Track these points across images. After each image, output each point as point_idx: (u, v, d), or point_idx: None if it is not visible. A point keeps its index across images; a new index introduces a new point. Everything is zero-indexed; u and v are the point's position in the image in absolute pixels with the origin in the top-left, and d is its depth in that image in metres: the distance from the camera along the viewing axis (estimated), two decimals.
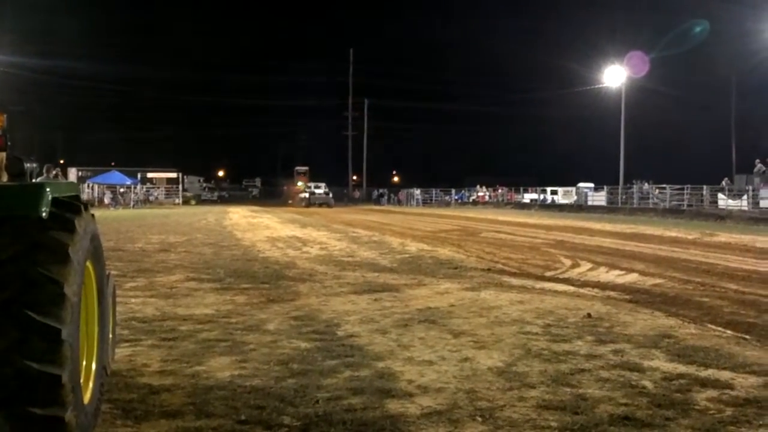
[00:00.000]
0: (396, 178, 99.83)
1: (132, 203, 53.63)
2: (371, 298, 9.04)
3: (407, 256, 14.74)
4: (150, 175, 69.86)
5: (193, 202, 66.63)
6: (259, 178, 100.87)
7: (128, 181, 59.25)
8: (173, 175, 69.83)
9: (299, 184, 70.19)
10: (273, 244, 17.92)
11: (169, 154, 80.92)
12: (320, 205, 57.82)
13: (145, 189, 62.48)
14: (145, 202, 58.01)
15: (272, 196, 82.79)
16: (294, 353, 5.94)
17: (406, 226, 27.84)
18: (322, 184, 65.80)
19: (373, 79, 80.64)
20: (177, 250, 15.64)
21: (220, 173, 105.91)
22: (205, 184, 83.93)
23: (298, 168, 75.07)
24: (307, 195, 62.16)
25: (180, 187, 67.23)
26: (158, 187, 67.09)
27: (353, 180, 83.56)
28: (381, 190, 78.13)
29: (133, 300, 8.62)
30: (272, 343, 6.33)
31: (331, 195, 64.23)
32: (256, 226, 26.40)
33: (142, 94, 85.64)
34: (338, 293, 9.47)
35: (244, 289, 9.70)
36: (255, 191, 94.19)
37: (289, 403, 4.57)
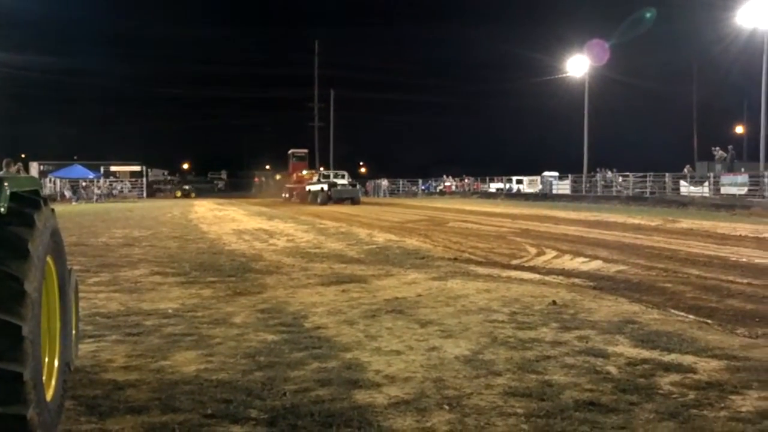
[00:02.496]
0: (363, 169, 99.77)
1: (95, 197, 52.83)
2: (339, 289, 9.04)
3: (375, 246, 14.75)
4: (113, 168, 68.76)
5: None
6: (225, 171, 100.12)
7: (91, 175, 58.37)
8: (137, 168, 68.84)
9: (304, 172, 53.12)
10: (239, 236, 17.81)
11: (132, 147, 79.89)
12: (342, 201, 42.91)
13: (108, 183, 61.59)
14: (109, 196, 57.20)
15: (238, 188, 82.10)
16: (261, 346, 5.92)
17: (373, 216, 27.84)
18: (344, 173, 48.13)
19: (339, 71, 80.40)
20: (141, 245, 15.46)
21: (185, 166, 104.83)
22: (169, 177, 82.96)
23: (294, 151, 58.81)
24: (322, 188, 44.02)
25: (144, 180, 66.35)
26: (122, 181, 66.18)
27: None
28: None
29: (96, 295, 8.51)
30: (239, 337, 6.30)
31: (358, 187, 49.60)
32: (222, 219, 26.21)
33: (105, 86, 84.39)
34: (305, 285, 9.45)
35: (210, 283, 9.62)
36: (221, 184, 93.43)
37: (256, 396, 4.55)
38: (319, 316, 7.21)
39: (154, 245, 15.33)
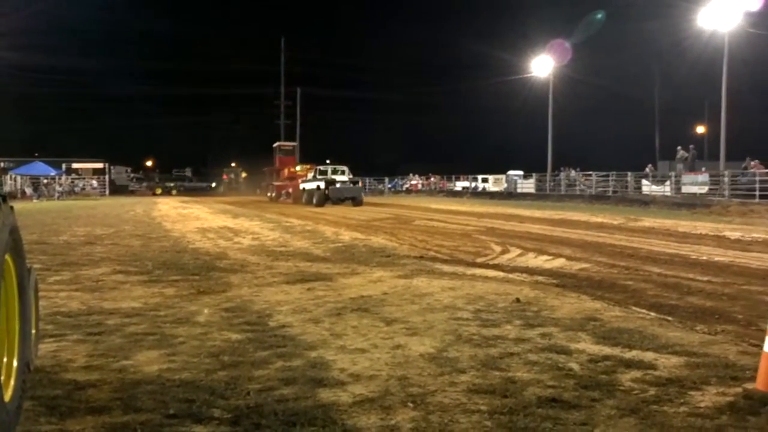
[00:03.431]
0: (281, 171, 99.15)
1: (57, 195, 51.97)
2: (304, 287, 9.01)
3: (341, 245, 14.73)
4: (75, 165, 67.73)
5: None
6: (190, 168, 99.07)
7: (52, 172, 57.38)
8: (99, 165, 67.90)
9: (298, 168, 45.74)
10: (204, 234, 17.66)
11: (95, 143, 78.74)
12: (342, 201, 36.98)
13: (70, 180, 60.63)
14: (71, 193, 56.30)
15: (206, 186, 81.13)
16: (225, 345, 5.87)
17: (339, 215, 27.80)
18: (344, 168, 40.23)
19: (306, 68, 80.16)
20: (103, 243, 15.25)
21: (149, 163, 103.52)
22: (133, 175, 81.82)
23: (281, 144, 52.57)
24: (318, 186, 37.64)
25: (107, 177, 65.44)
26: (84, 178, 65.19)
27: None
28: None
29: (57, 294, 8.37)
30: (202, 336, 6.24)
31: (360, 184, 42.67)
32: (186, 217, 25.95)
33: (66, 82, 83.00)
34: (271, 283, 9.40)
35: (173, 281, 9.53)
36: (186, 181, 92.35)
37: (219, 396, 4.51)
38: (284, 315, 7.18)
39: (117, 243, 15.13)
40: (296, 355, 5.54)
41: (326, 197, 36.40)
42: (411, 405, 4.36)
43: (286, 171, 46.99)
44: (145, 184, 67.02)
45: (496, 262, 12.10)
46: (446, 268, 11.08)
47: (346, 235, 16.93)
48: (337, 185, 37.05)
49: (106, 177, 65.41)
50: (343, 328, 6.52)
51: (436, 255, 13.00)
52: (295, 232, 18.35)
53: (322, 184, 37.01)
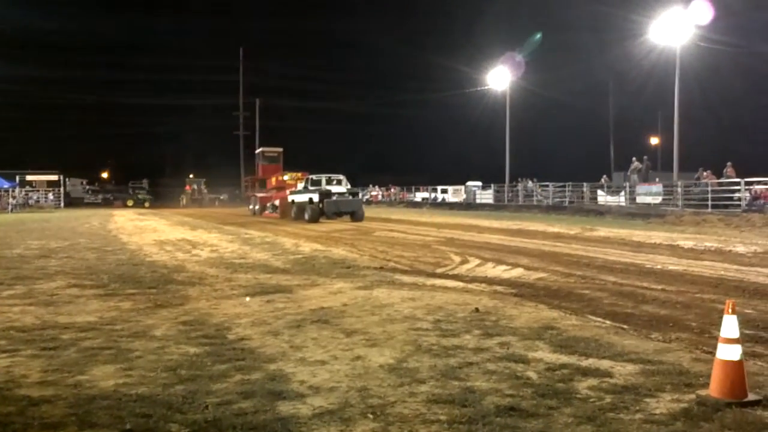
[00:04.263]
0: (266, 180, 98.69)
1: (10, 207, 50.84)
2: (264, 299, 8.96)
3: (301, 256, 14.68)
4: (29, 177, 66.29)
5: (147, 204, 62.58)
6: (147, 180, 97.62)
7: (5, 185, 56.10)
8: (54, 177, 66.58)
9: (286, 177, 38.66)
10: (161, 247, 17.44)
11: (49, 155, 77.15)
12: (339, 215, 30.95)
13: (24, 192, 59.38)
14: (25, 205, 55.14)
15: (160, 197, 79.82)
16: (182, 359, 5.81)
17: (299, 226, 27.69)
18: (341, 177, 33.16)
19: (265, 79, 79.74)
20: (58, 256, 14.96)
21: (104, 175, 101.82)
22: (88, 187, 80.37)
23: (265, 150, 44.94)
24: (310, 198, 31.22)
25: (62, 189, 64.21)
26: (38, 190, 63.89)
27: (245, 180, 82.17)
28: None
29: (11, 309, 8.22)
30: (159, 350, 6.17)
31: (360, 196, 37.13)
32: (143, 230, 25.60)
33: (20, 92, 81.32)
34: (229, 296, 9.33)
35: (129, 295, 9.39)
36: (143, 193, 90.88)
37: (177, 410, 4.47)
38: (243, 328, 7.13)
39: (72, 256, 14.86)
40: (255, 368, 5.50)
41: (321, 212, 30.17)
42: (371, 416, 4.37)
43: (273, 180, 39.80)
44: (111, 195, 65.11)
45: (455, 272, 12.17)
46: (406, 278, 11.12)
47: (306, 247, 16.87)
48: (334, 197, 30.45)
49: (61, 189, 64.18)
50: (303, 340, 6.50)
51: (396, 266, 13.03)
52: (254, 243, 18.23)
53: (316, 196, 30.58)
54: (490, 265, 13.14)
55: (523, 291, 9.79)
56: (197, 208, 55.43)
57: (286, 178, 38.39)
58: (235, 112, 78.81)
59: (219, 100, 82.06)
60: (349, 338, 6.59)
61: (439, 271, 12.33)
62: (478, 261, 13.71)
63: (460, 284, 10.51)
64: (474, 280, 11.07)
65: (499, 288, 10.12)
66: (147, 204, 63.30)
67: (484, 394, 4.79)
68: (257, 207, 41.03)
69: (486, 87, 51.38)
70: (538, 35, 48.83)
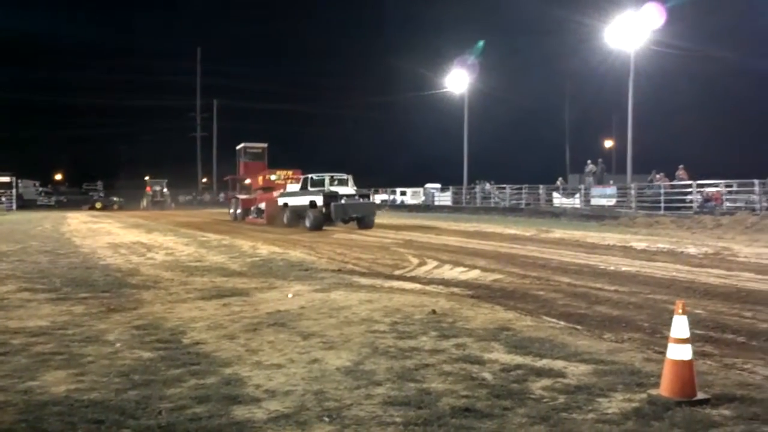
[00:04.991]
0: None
1: None
2: (220, 303, 8.87)
3: (258, 259, 14.58)
4: None
5: (116, 207, 60.47)
6: (101, 182, 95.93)
7: None
8: (6, 179, 64.98)
9: (272, 177, 33.41)
10: (115, 250, 17.15)
11: (1, 157, 75.28)
12: (348, 221, 26.52)
13: None
14: None
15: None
16: (136, 364, 5.73)
17: (257, 228, 27.50)
18: (344, 176, 27.97)
19: (223, 80, 78.90)
20: (9, 259, 14.62)
21: (58, 177, 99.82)
22: (41, 189, 78.66)
23: (247, 145, 38.52)
24: (312, 202, 26.10)
25: (14, 191, 62.70)
26: None
27: (203, 183, 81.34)
28: (231, 193, 75.75)
29: None
30: (112, 355, 6.08)
31: (372, 198, 30.94)
32: (97, 232, 25.15)
33: None
34: (185, 300, 9.22)
35: (82, 299, 9.22)
36: (96, 195, 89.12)
37: (129, 416, 4.40)
38: (198, 332, 7.05)
39: (23, 260, 14.53)
40: (210, 372, 5.45)
41: (325, 217, 25.40)
42: (327, 419, 4.36)
43: (260, 179, 34.45)
44: (64, 198, 62.52)
45: (413, 274, 12.22)
46: (364, 281, 11.12)
47: (264, 249, 16.77)
48: (342, 200, 25.47)
49: (14, 191, 62.67)
50: (259, 344, 6.45)
51: (354, 268, 13.03)
52: (211, 246, 18.05)
53: (319, 199, 25.62)
54: (447, 266, 13.22)
55: (479, 292, 9.87)
56: (159, 212, 52.24)
57: (273, 177, 33.25)
58: (191, 113, 78.02)
59: (176, 102, 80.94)
60: (306, 341, 6.57)
61: (397, 273, 12.36)
62: (435, 263, 13.78)
63: (418, 286, 10.55)
64: (431, 282, 11.13)
65: (456, 290, 10.18)
66: (116, 207, 61.51)
67: (439, 396, 4.81)
68: (239, 211, 35.54)
69: (445, 90, 51.68)
70: (481, 42, 49.55)
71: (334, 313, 8.08)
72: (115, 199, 65.36)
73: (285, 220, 28.30)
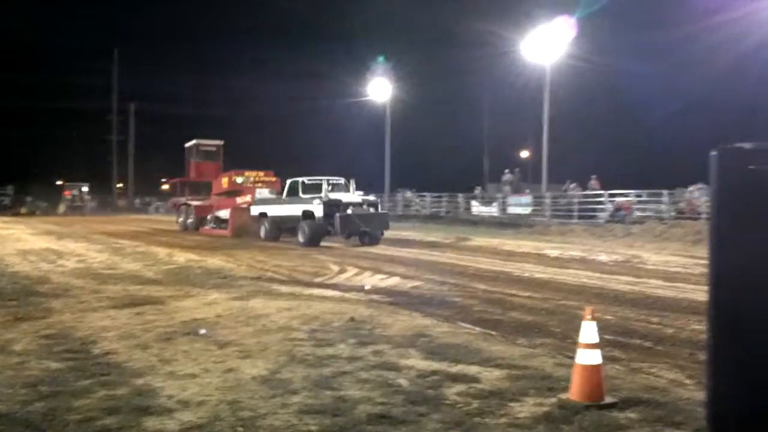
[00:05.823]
0: (166, 186, 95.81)
1: None
2: (133, 312, 8.64)
3: (174, 266, 14.28)
4: None
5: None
6: (12, 186, 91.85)
7: None
8: None
9: (239, 180, 28.22)
10: (24, 257, 16.49)
11: None
12: (352, 236, 21.50)
13: None
14: None
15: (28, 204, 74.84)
16: (43, 374, 5.53)
17: (175, 235, 26.94)
18: (340, 180, 23.40)
19: (140, 83, 76.81)
20: None
21: None
22: None
23: (200, 143, 33.12)
24: (308, 212, 21.48)
25: None
26: None
27: (118, 188, 79.03)
28: (148, 199, 73.96)
29: None
30: (19, 365, 5.85)
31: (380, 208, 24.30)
32: (5, 239, 24.11)
33: None
34: (96, 308, 8.95)
35: None
36: (6, 200, 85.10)
37: (36, 429, 4.26)
38: (110, 341, 6.86)
39: None
40: (121, 383, 5.31)
41: (323, 231, 21.07)
42: (241, 429, 4.32)
43: (224, 182, 28.85)
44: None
45: (333, 281, 12.22)
46: (284, 288, 11.05)
47: (181, 257, 16.43)
48: (349, 210, 21.08)
49: None
50: (173, 354, 6.33)
51: (273, 276, 12.93)
52: (125, 253, 17.57)
53: (318, 209, 21.14)
54: (367, 273, 13.28)
55: (398, 299, 9.95)
56: (80, 217, 48.42)
57: (239, 180, 27.93)
58: (107, 117, 75.78)
59: (93, 104, 78.30)
60: (222, 350, 6.48)
61: (317, 280, 12.34)
62: (355, 270, 13.82)
63: (338, 293, 10.56)
64: (351, 289, 11.15)
65: (375, 296, 10.24)
66: (38, 212, 58.13)
67: (356, 403, 4.83)
68: (190, 220, 30.45)
69: (367, 98, 51.87)
70: (381, 57, 50.34)
71: (252, 321, 7.99)
72: (44, 204, 61.56)
73: (262, 233, 23.88)
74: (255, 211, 24.91)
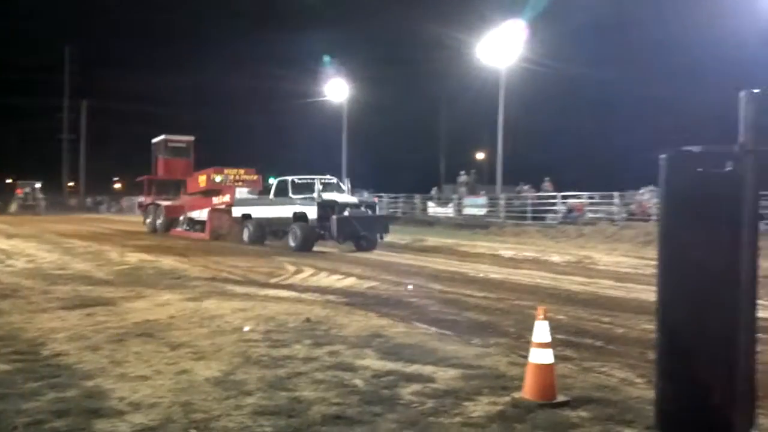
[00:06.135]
0: (119, 185, 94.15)
1: None
2: (83, 313, 8.47)
3: (126, 267, 14.06)
4: None
5: (14, 207, 53.92)
6: None
7: None
8: None
9: (217, 178, 25.72)
10: None
11: None
12: (344, 240, 19.66)
13: None
14: None
15: None
16: None
17: (127, 235, 26.50)
18: (332, 180, 22.08)
19: (92, 80, 75.30)
20: None
21: None
22: None
23: (169, 138, 30.60)
24: (299, 214, 19.76)
25: None
26: None
27: (69, 187, 77.45)
28: (100, 198, 72.59)
29: None
30: None
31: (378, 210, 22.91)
32: None
33: None
34: (45, 309, 8.75)
35: None
36: None
37: None
38: (60, 343, 6.72)
39: None
40: (71, 385, 5.21)
41: (316, 235, 19.45)
42: (194, 431, 4.27)
43: (201, 180, 26.76)
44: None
45: (289, 282, 12.16)
46: (239, 289, 10.96)
47: (133, 257, 16.18)
48: (346, 212, 19.45)
49: None
50: (125, 355, 6.22)
51: (228, 276, 12.82)
52: (76, 253, 17.24)
53: (312, 210, 19.39)
54: (323, 274, 13.25)
55: (354, 300, 9.94)
56: (32, 217, 46.76)
57: (218, 179, 25.65)
58: (58, 114, 74.20)
59: (45, 101, 76.43)
60: (175, 352, 6.39)
61: (272, 281, 12.27)
62: (312, 271, 13.77)
63: (294, 294, 10.52)
64: (307, 289, 11.11)
65: (331, 297, 10.22)
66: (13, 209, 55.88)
67: (311, 404, 4.81)
68: (160, 221, 28.47)
69: (324, 98, 51.74)
70: (327, 58, 50.46)
71: (206, 322, 7.91)
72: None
73: (246, 236, 22.14)
74: (237, 212, 23.16)
